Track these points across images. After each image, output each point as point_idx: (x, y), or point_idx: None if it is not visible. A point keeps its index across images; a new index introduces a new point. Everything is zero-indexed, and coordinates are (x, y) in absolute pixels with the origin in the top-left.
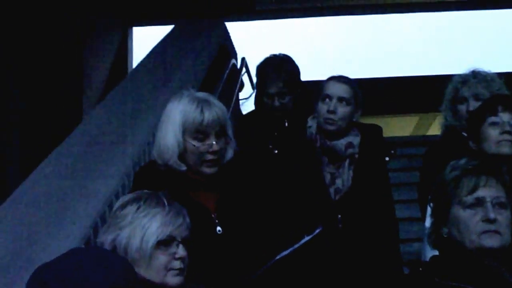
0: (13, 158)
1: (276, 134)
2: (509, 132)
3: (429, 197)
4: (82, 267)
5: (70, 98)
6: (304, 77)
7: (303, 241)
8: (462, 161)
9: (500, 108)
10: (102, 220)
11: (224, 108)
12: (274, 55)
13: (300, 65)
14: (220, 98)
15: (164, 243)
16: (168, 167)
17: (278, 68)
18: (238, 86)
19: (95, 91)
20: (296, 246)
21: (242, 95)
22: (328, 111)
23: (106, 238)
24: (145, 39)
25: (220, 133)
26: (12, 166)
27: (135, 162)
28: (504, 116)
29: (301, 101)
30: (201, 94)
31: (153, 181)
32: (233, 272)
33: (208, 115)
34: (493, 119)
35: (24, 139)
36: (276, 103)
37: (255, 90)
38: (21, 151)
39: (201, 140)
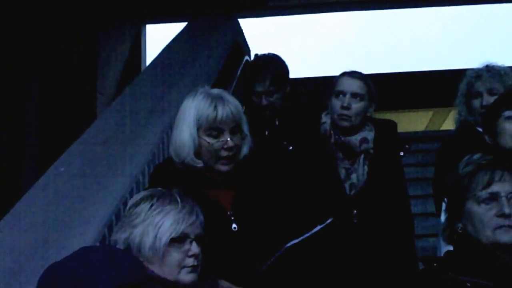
0: (30, 157)
1: (267, 133)
2: None
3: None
4: (90, 266)
5: (84, 96)
6: (317, 73)
7: (314, 230)
8: (477, 156)
9: None
10: (117, 219)
11: (239, 104)
12: (262, 55)
13: (314, 61)
14: (233, 95)
15: (177, 240)
16: (185, 164)
17: (265, 67)
18: None
19: (109, 89)
20: (307, 235)
21: None
22: (342, 107)
23: (119, 237)
24: (158, 37)
25: (235, 130)
26: (28, 165)
27: (149, 160)
28: None
29: (291, 99)
30: (215, 91)
31: (170, 178)
32: (249, 268)
33: (222, 112)
34: (509, 113)
35: (40, 137)
36: (264, 101)
37: (244, 90)
38: (38, 149)
39: (215, 137)
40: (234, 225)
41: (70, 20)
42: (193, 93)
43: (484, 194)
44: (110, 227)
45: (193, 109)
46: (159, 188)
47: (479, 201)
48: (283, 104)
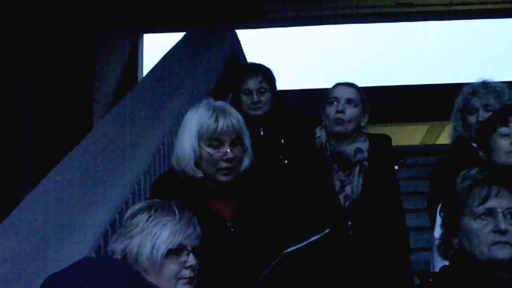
0: (26, 165)
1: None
2: None
3: (439, 206)
4: (90, 278)
5: (80, 104)
6: (314, 84)
7: (312, 238)
8: (474, 171)
9: (511, 118)
10: (113, 228)
11: (240, 117)
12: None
13: (311, 72)
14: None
15: (174, 252)
16: (186, 174)
17: (256, 67)
18: None
19: (106, 98)
20: (305, 243)
21: None
22: (337, 111)
23: (116, 247)
24: (155, 46)
25: (236, 142)
26: (24, 172)
27: (145, 170)
28: None
29: (277, 110)
30: (218, 103)
31: (171, 188)
32: (248, 279)
33: (223, 123)
34: (503, 130)
35: (36, 145)
36: (255, 98)
37: (230, 97)
38: (34, 157)
39: (215, 148)
40: (234, 237)
41: (68, 28)
42: (197, 104)
43: (480, 209)
44: (105, 237)
45: (195, 120)
46: (157, 200)
47: (476, 217)
48: (269, 112)
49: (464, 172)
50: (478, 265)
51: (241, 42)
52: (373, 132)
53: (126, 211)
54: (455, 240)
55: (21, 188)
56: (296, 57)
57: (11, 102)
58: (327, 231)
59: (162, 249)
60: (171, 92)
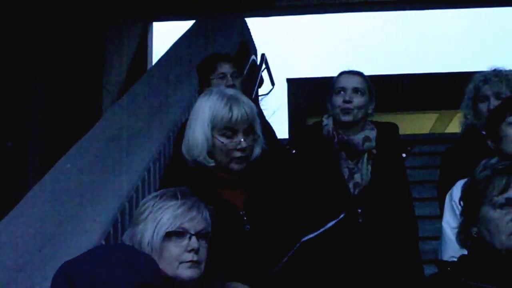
0: (35, 154)
1: None
2: None
3: (448, 195)
4: (108, 265)
5: (90, 93)
6: (322, 73)
7: (328, 225)
8: (494, 160)
9: None
10: (122, 216)
11: (253, 105)
12: None
13: (319, 60)
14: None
15: (175, 234)
16: (197, 163)
17: (226, 54)
18: (258, 82)
19: (115, 86)
20: (321, 230)
21: (261, 91)
22: (344, 101)
23: (126, 235)
24: (165, 34)
25: (248, 131)
26: (33, 161)
27: (155, 158)
28: None
29: None
30: (230, 91)
31: (182, 178)
32: (261, 269)
33: (237, 113)
34: None
35: (45, 134)
36: (230, 81)
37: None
38: (43, 146)
39: (229, 137)
40: (247, 225)
41: (77, 17)
42: (208, 92)
43: (500, 199)
44: (115, 225)
45: (207, 109)
46: (170, 189)
47: (495, 206)
48: None
49: (484, 161)
50: (497, 254)
51: (251, 31)
52: (383, 120)
53: (136, 199)
54: (474, 229)
55: (30, 176)
56: (304, 46)
57: (20, 90)
58: (342, 216)
59: (162, 231)
60: (180, 80)
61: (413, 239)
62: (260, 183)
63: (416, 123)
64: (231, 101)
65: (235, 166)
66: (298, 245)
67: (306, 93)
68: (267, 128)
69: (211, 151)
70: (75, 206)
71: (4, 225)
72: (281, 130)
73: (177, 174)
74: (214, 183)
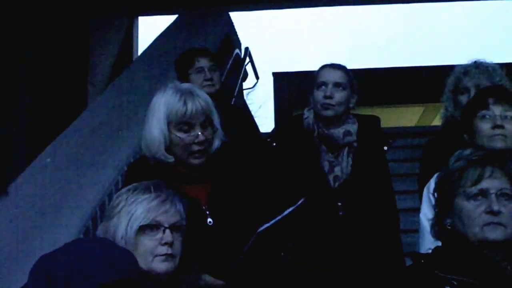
0: (19, 147)
1: None
2: (501, 126)
3: (425, 187)
4: (85, 259)
5: (75, 88)
6: (304, 67)
7: (285, 212)
8: (467, 151)
9: (491, 100)
10: (101, 210)
11: (208, 98)
12: None
13: (304, 54)
14: (223, 88)
15: (150, 228)
16: (156, 160)
17: (205, 48)
18: (241, 75)
19: (100, 81)
20: (278, 218)
21: (246, 85)
22: (325, 97)
23: (99, 229)
24: (150, 29)
25: (206, 124)
26: (18, 154)
27: (136, 152)
28: (496, 109)
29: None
30: (185, 86)
31: (144, 175)
32: (227, 261)
33: (191, 106)
34: (484, 112)
35: (31, 129)
36: (208, 75)
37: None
38: (27, 141)
39: (186, 132)
40: (209, 219)
41: (61, 12)
42: (163, 88)
43: (473, 190)
44: (94, 218)
45: (162, 105)
46: (143, 182)
47: (468, 197)
48: (217, 93)
49: (458, 152)
50: (470, 246)
51: (235, 24)
52: (369, 114)
53: (116, 193)
54: (448, 221)
55: (15, 171)
56: (289, 39)
57: (4, 87)
58: (300, 202)
59: (135, 225)
60: (162, 74)
61: (394, 232)
62: (222, 176)
63: (403, 117)
64: (185, 95)
65: (194, 160)
66: (254, 236)
67: (292, 87)
68: (250, 122)
69: (170, 147)
70: (54, 200)
71: None
72: (268, 124)
73: (139, 170)
74: (175, 179)
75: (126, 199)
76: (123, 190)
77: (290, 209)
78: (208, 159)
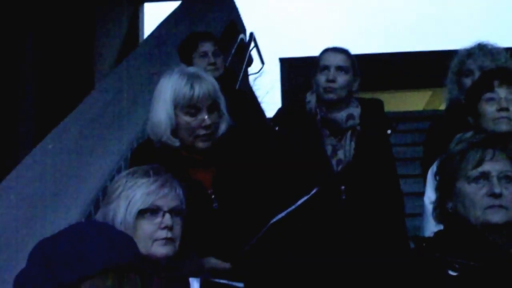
0: (26, 136)
1: None
2: (506, 109)
3: (430, 170)
4: (85, 244)
5: (81, 75)
6: (313, 52)
7: (299, 202)
8: (469, 134)
9: (496, 83)
10: (104, 195)
11: (215, 82)
12: None
13: (303, 39)
14: (227, 72)
15: (149, 212)
16: (162, 144)
17: (208, 33)
18: (246, 60)
19: (106, 67)
20: (292, 208)
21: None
22: (327, 80)
23: (99, 214)
24: (156, 15)
25: (212, 108)
26: (24, 143)
27: (139, 137)
28: (501, 92)
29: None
30: (191, 69)
31: (149, 159)
32: (233, 246)
33: (199, 90)
34: (489, 95)
35: (36, 117)
36: (211, 59)
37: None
38: (34, 130)
39: (192, 115)
40: (215, 204)
41: None
42: (169, 71)
43: (474, 173)
44: (96, 204)
45: (169, 88)
46: (142, 166)
47: (470, 180)
48: (221, 77)
49: (459, 135)
50: (471, 229)
51: (240, 9)
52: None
53: None
54: (450, 204)
55: (20, 159)
56: (293, 24)
57: (10, 76)
58: (314, 191)
59: (134, 209)
60: (166, 59)
61: (398, 215)
62: (228, 160)
63: (410, 101)
64: (192, 78)
65: (200, 144)
66: (267, 226)
67: (299, 73)
68: (255, 107)
69: (176, 130)
70: (56, 186)
71: None
72: (275, 110)
73: (144, 154)
74: (181, 162)
75: (125, 183)
76: (122, 174)
77: (304, 198)
78: (214, 144)
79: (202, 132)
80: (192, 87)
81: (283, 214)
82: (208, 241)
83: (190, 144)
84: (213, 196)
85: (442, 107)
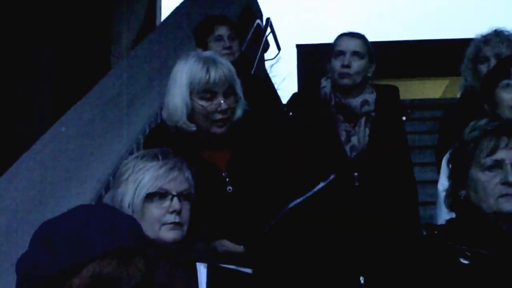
0: (43, 119)
1: None
2: None
3: (445, 158)
4: (87, 226)
5: (98, 59)
6: (331, 38)
7: (316, 188)
8: (483, 122)
9: None
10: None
11: (231, 66)
12: None
13: (320, 26)
14: (243, 57)
15: (157, 196)
16: (178, 129)
17: (224, 16)
18: (262, 46)
19: (123, 52)
20: (310, 193)
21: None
22: (343, 66)
23: (107, 197)
24: (173, 1)
25: (228, 92)
26: (42, 128)
27: (151, 121)
28: None
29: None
30: (207, 54)
31: (163, 142)
32: (244, 230)
33: (214, 74)
34: (506, 82)
35: (54, 100)
36: (227, 43)
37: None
38: (51, 114)
39: (208, 100)
40: (229, 187)
41: None
42: (185, 56)
43: (488, 161)
44: (107, 187)
45: (185, 73)
46: (151, 149)
47: (483, 168)
48: (236, 62)
49: (473, 122)
50: (484, 217)
51: None
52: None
53: None
54: (463, 192)
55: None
56: (310, 9)
57: (28, 58)
58: (331, 178)
59: (142, 193)
60: (180, 44)
61: (412, 203)
62: (243, 144)
63: (427, 90)
64: (208, 63)
65: (217, 129)
66: (284, 211)
67: (316, 59)
68: (271, 92)
69: (192, 115)
70: (67, 169)
71: None
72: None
73: (158, 137)
74: (196, 145)
75: (133, 166)
76: (131, 157)
77: (321, 185)
78: (231, 128)
79: (218, 116)
80: (207, 71)
81: (301, 199)
82: (221, 224)
83: (206, 129)
84: (227, 179)
85: (459, 95)
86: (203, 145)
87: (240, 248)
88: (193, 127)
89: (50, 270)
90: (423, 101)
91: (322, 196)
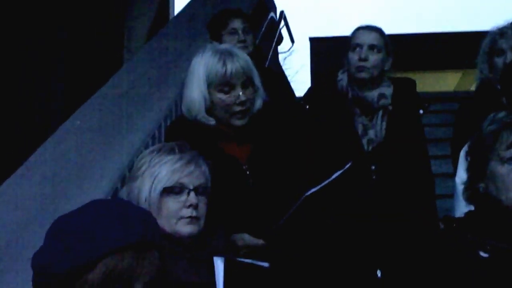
0: (56, 115)
1: None
2: None
3: (463, 151)
4: (101, 221)
5: (111, 53)
6: (345, 31)
7: (333, 176)
8: (501, 115)
9: None
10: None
11: (248, 58)
12: None
13: (334, 19)
14: (257, 50)
15: (173, 190)
16: (198, 123)
17: (238, 10)
18: (276, 39)
19: (136, 46)
20: (326, 182)
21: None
22: (360, 59)
23: (123, 191)
24: None
25: (247, 84)
26: (55, 122)
27: (166, 115)
28: None
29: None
30: (224, 46)
31: (184, 135)
32: (266, 222)
33: (231, 67)
34: None
35: (67, 94)
36: (242, 36)
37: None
38: (64, 107)
39: (227, 93)
40: (249, 179)
41: None
42: (202, 50)
43: (508, 154)
44: (123, 181)
45: (202, 67)
46: (167, 143)
47: (503, 161)
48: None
49: (492, 115)
50: (503, 210)
51: None
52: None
53: None
54: (481, 185)
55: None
56: (322, 3)
57: (42, 56)
58: (347, 165)
59: (159, 187)
60: (194, 37)
61: (429, 196)
62: (263, 136)
63: (440, 82)
64: (224, 55)
65: (237, 121)
66: (301, 200)
67: (329, 52)
68: (285, 85)
69: (211, 109)
70: (83, 163)
71: (9, 183)
72: (304, 90)
73: (179, 131)
74: (216, 138)
75: (150, 160)
76: (147, 151)
77: (338, 173)
78: (251, 120)
79: (237, 108)
80: (224, 64)
81: (317, 187)
82: (241, 217)
83: (226, 122)
84: (248, 173)
85: (473, 88)
86: (223, 138)
87: (260, 242)
88: (212, 121)
89: (64, 265)
90: (436, 94)
91: (340, 189)
